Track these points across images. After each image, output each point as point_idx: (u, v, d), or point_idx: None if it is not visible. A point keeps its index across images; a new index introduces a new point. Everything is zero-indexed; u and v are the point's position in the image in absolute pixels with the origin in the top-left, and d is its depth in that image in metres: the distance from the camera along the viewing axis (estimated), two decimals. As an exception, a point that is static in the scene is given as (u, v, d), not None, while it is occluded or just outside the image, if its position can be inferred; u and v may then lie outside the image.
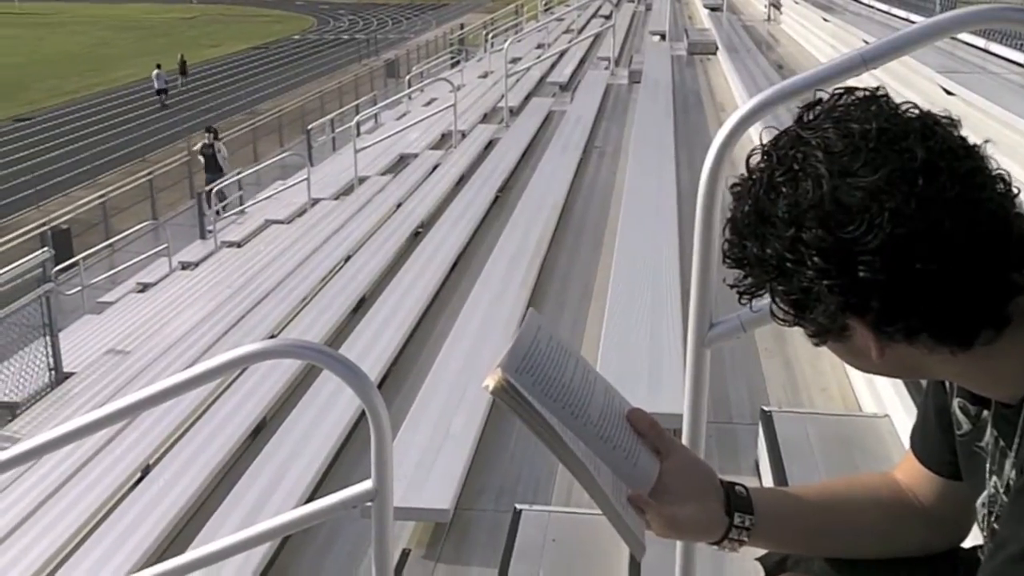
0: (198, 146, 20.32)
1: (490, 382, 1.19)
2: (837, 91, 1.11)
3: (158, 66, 39.15)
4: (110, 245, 18.31)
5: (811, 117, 1.10)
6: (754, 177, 1.09)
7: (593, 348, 4.49)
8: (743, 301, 1.15)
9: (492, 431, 4.24)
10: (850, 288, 1.02)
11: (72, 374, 8.91)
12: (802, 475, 3.19)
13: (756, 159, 1.10)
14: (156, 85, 38.71)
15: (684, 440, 2.64)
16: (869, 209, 1.00)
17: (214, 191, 15.32)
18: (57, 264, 11.57)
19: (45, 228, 19.60)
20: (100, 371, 8.34)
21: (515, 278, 6.02)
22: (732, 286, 1.15)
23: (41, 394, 8.70)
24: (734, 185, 1.13)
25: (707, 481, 1.29)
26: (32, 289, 8.89)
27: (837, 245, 1.01)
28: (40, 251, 9.55)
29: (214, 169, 19.30)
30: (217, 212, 15.63)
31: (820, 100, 1.11)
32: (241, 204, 16.63)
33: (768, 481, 3.37)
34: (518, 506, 3.47)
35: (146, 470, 5.19)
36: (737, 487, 1.30)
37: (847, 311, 1.05)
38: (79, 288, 13.96)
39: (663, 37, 16.00)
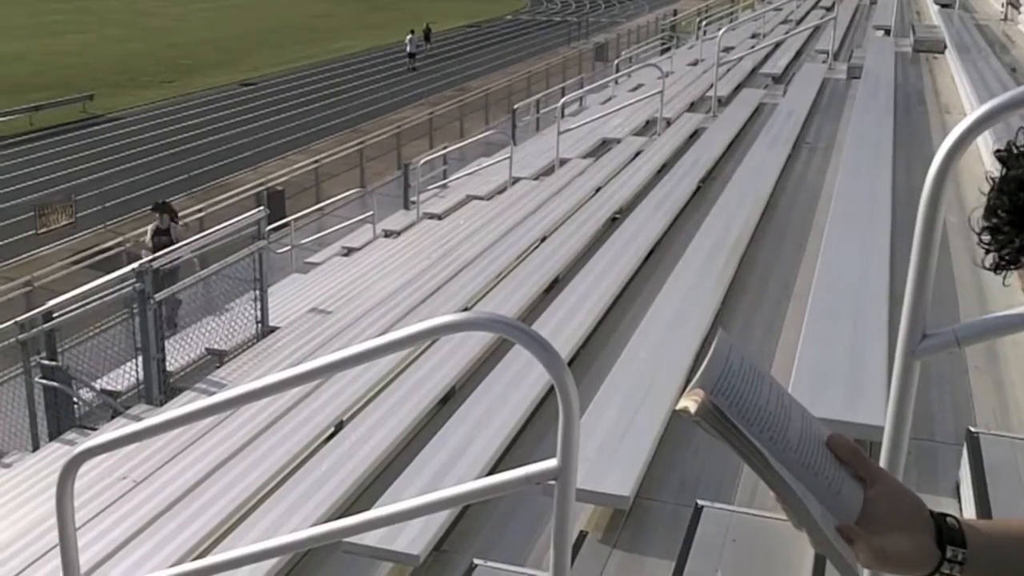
0: (148, 231, 13.15)
1: (690, 405, 1.14)
2: None
3: (411, 31, 42.51)
4: (320, 209, 19.16)
5: None
6: None
7: (790, 350, 4.35)
8: (999, 271, 1.20)
9: (677, 423, 4.18)
10: None
11: (276, 328, 9.37)
12: (1008, 503, 2.99)
13: None
14: (408, 49, 41.93)
15: (883, 456, 2.51)
16: None
17: (421, 163, 15.72)
18: (270, 223, 12.18)
19: (261, 188, 20.73)
20: (302, 328, 8.72)
21: (712, 271, 5.90)
22: (991, 257, 1.19)
23: (247, 345, 9.19)
24: (1001, 151, 1.18)
25: (916, 511, 1.21)
26: (247, 245, 9.40)
27: None
28: (256, 210, 10.05)
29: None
30: (411, 202, 15.96)
31: None
32: (444, 178, 17.02)
33: (969, 506, 3.18)
34: (699, 502, 3.41)
35: (339, 426, 5.40)
36: (948, 518, 1.22)
37: None
38: (288, 248, 14.68)
39: (887, 32, 15.29)
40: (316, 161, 22.55)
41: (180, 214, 19.70)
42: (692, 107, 12.46)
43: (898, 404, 2.37)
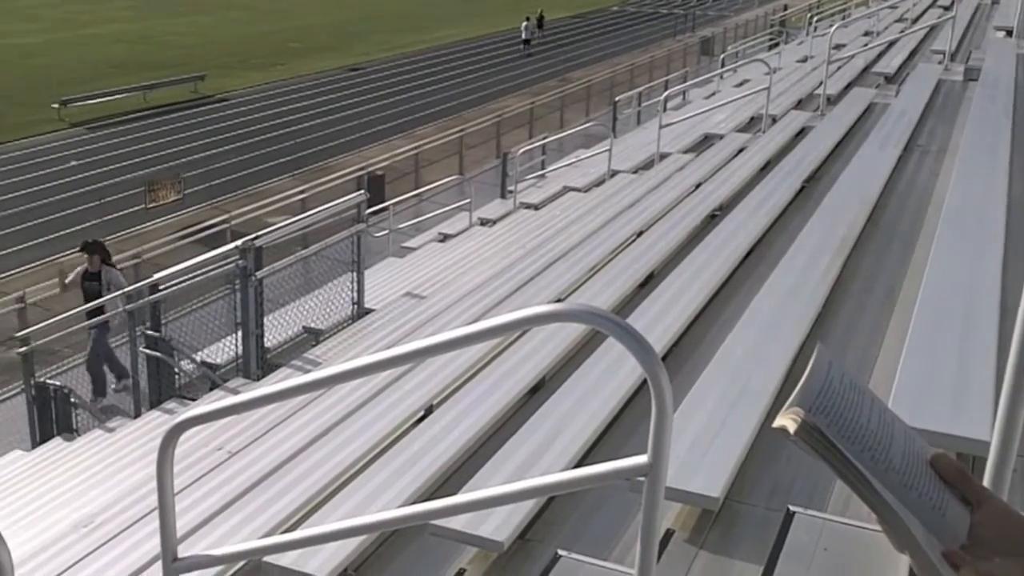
0: (74, 274, 11.52)
1: (787, 424, 1.11)
2: None
3: (527, 18, 43.78)
4: (418, 195, 19.36)
5: None
6: None
7: (893, 359, 4.23)
8: None
9: (771, 426, 4.09)
10: None
11: (372, 310, 9.50)
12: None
13: None
14: (523, 35, 43.16)
15: (988, 472, 2.42)
16: None
17: (520, 152, 15.75)
18: (370, 207, 12.35)
19: (362, 172, 21.02)
20: (397, 311, 8.82)
21: (813, 273, 5.77)
22: None
23: (343, 325, 9.34)
24: None
25: None
26: (346, 228, 9.54)
27: None
28: (357, 193, 10.18)
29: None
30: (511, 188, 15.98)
31: None
32: (543, 168, 17.02)
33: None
34: (791, 507, 3.34)
35: (429, 410, 5.44)
36: None
37: None
38: (386, 232, 14.87)
39: (1009, 34, 14.71)
40: (417, 147, 22.78)
41: (284, 195, 20.18)
42: (799, 105, 12.20)
43: (1006, 419, 2.28)
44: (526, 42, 43.05)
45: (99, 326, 10.74)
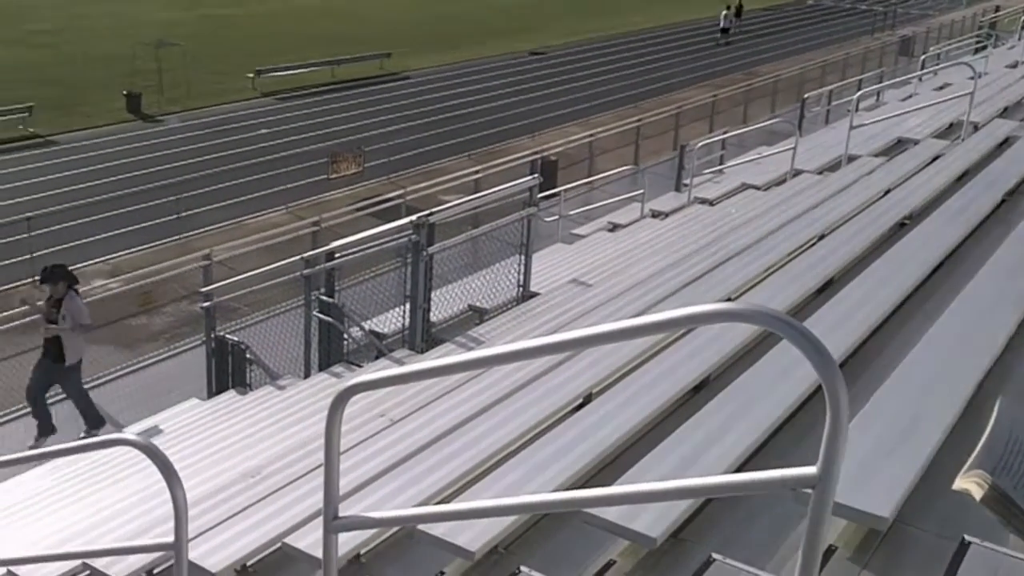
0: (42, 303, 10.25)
1: (971, 488, 1.01)
2: None
3: (727, 7, 43.69)
4: (590, 182, 19.31)
5: None
6: None
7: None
8: None
9: (950, 448, 3.87)
10: None
11: (537, 294, 9.53)
12: None
13: None
14: (721, 24, 43.26)
15: None
16: None
17: (699, 145, 15.46)
18: (542, 192, 12.38)
19: (536, 157, 21.12)
20: (561, 297, 8.81)
21: (1010, 294, 5.42)
22: None
23: (507, 306, 9.41)
24: None
25: None
26: (517, 210, 9.60)
27: None
28: (530, 177, 10.22)
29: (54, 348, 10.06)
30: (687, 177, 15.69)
31: None
32: (721, 164, 16.68)
33: None
34: (967, 537, 3.14)
35: (588, 398, 5.41)
36: None
37: None
38: (556, 217, 14.88)
39: None
40: (592, 135, 22.72)
41: (458, 174, 20.50)
42: (1005, 112, 11.53)
43: None
44: (724, 31, 42.71)
45: (75, 365, 9.97)
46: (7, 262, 17.75)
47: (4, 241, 18.16)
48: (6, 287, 17.10)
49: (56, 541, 6.03)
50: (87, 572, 5.31)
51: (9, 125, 27.57)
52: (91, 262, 18.43)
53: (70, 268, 10.59)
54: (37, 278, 16.93)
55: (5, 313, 13.50)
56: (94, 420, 10.35)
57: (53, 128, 28.20)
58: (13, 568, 5.54)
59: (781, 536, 3.68)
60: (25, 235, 17.63)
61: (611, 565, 3.67)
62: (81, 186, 23.01)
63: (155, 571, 5.05)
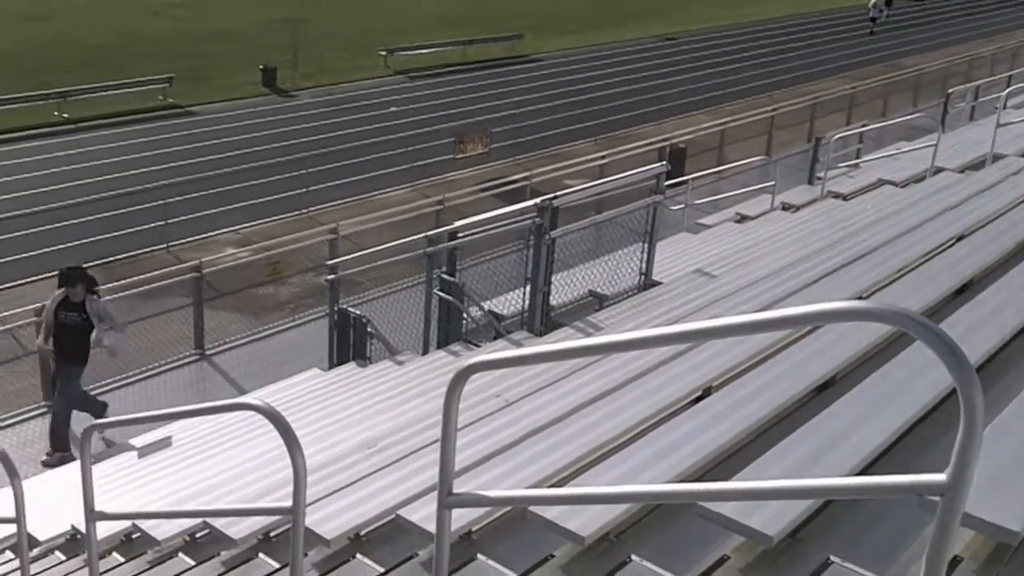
0: (45, 312, 9.84)
1: None
2: None
3: None
4: (719, 172, 18.99)
5: None
6: None
7: None
8: None
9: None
10: None
11: (659, 283, 9.42)
12: None
13: None
14: (871, 13, 42.84)
15: None
16: None
17: (835, 138, 15.01)
18: (669, 179, 12.22)
19: (664, 144, 20.89)
20: (684, 287, 8.69)
21: None
22: None
23: (627, 294, 9.33)
24: None
25: None
26: (643, 197, 9.49)
27: None
28: (658, 164, 10.09)
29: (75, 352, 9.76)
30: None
31: None
32: (857, 157, 16.17)
33: None
34: (1107, 560, 2.96)
35: (707, 391, 5.32)
36: None
37: None
38: (682, 206, 14.69)
39: None
40: (723, 123, 22.33)
41: (584, 159, 20.42)
42: None
43: None
44: (873, 20, 41.93)
45: (78, 367, 9.65)
46: (142, 227, 18.51)
47: (140, 208, 18.94)
48: (141, 251, 17.85)
49: (177, 500, 6.26)
50: (206, 531, 5.50)
51: (150, 95, 28.71)
52: (222, 231, 19.08)
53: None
54: (165, 246, 17.80)
55: (137, 277, 14.11)
56: (98, 408, 10.05)
57: (191, 99, 29.25)
58: (138, 522, 5.78)
59: (904, 543, 3.54)
60: (160, 202, 18.34)
61: (724, 561, 3.60)
62: (215, 157, 23.83)
63: (272, 534, 5.19)
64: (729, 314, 2.44)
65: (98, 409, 9.99)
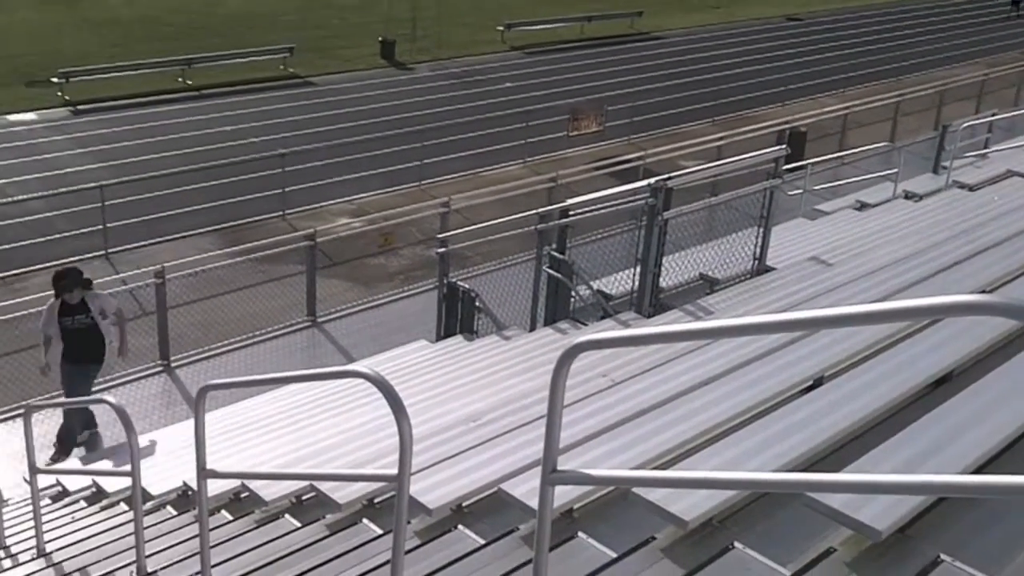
0: (51, 309, 9.15)
1: None
2: None
3: None
4: (840, 157, 18.50)
5: None
6: None
7: None
8: None
9: None
10: None
11: (772, 269, 9.25)
12: None
13: None
14: None
15: None
16: None
17: (963, 126, 14.44)
18: (787, 163, 11.95)
19: (784, 127, 20.42)
20: (798, 274, 8.51)
21: None
22: None
23: (740, 279, 9.19)
24: None
25: None
26: (759, 181, 9.31)
27: None
28: (777, 147, 9.88)
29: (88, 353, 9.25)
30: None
31: None
32: (986, 147, 15.55)
33: None
34: None
35: (819, 381, 5.20)
36: None
37: None
38: (800, 191, 14.36)
39: None
40: (847, 108, 21.72)
41: (701, 140, 20.13)
42: None
43: None
44: (1015, 3, 40.25)
45: (96, 366, 9.25)
46: (260, 195, 18.98)
47: (258, 175, 19.42)
48: (257, 218, 18.33)
49: (285, 462, 6.43)
50: (313, 494, 5.64)
51: (271, 64, 29.35)
52: (336, 201, 19.43)
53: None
54: (281, 213, 18.22)
55: (256, 243, 14.50)
56: (88, 419, 9.76)
57: (311, 69, 29.79)
58: (247, 482, 5.97)
59: (1020, 546, 3.42)
60: (277, 171, 18.77)
61: (830, 553, 3.52)
62: (332, 127, 24.25)
63: (376, 500, 5.29)
64: (845, 304, 2.37)
65: (87, 419, 9.64)
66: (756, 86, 28.55)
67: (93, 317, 9.09)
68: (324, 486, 5.26)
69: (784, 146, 9.97)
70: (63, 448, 9.53)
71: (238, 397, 9.48)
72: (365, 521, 5.04)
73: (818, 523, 3.58)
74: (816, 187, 14.83)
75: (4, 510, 7.71)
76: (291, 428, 7.80)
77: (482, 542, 4.25)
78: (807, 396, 4.83)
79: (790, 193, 13.56)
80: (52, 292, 9.17)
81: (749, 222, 9.50)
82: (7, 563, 6.41)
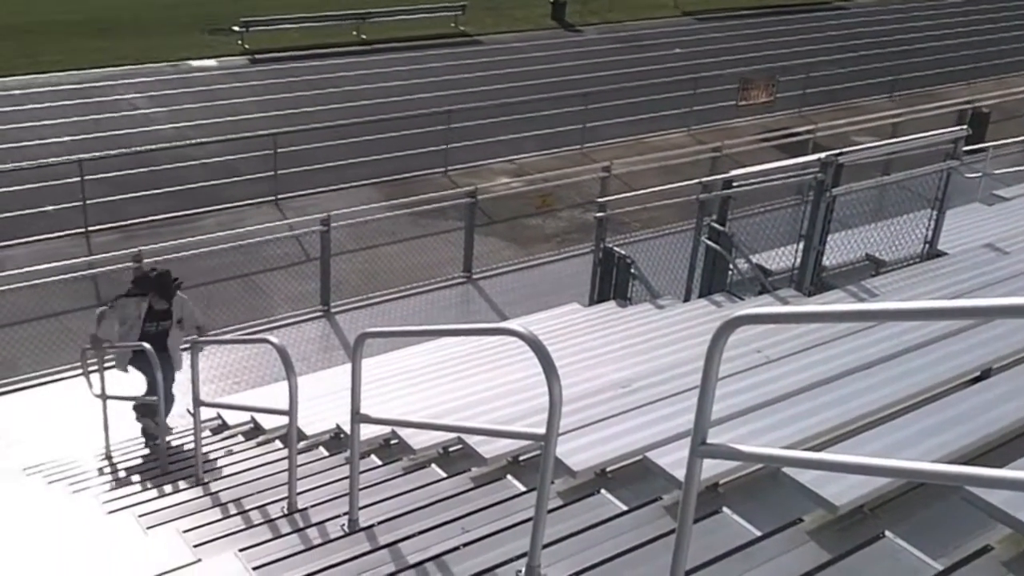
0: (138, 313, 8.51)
1: None
2: None
3: None
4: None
5: None
6: None
7: None
8: None
9: None
10: None
11: (944, 254, 8.86)
12: None
13: None
14: None
15: None
16: None
17: None
18: (967, 145, 11.37)
19: (967, 106, 19.42)
20: (972, 260, 8.11)
21: None
22: None
23: (909, 262, 8.84)
24: None
25: None
26: (936, 162, 8.91)
27: None
28: (957, 128, 9.42)
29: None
30: None
31: None
32: None
33: None
34: None
35: (986, 372, 4.98)
36: None
37: None
38: (979, 175, 13.67)
39: None
40: (1037, 89, 20.49)
41: (876, 116, 19.35)
42: None
43: None
44: None
45: (178, 354, 8.65)
46: (424, 150, 19.34)
47: (425, 131, 19.76)
48: (421, 173, 18.69)
49: (434, 413, 6.57)
50: (460, 446, 5.76)
51: (443, 22, 29.73)
52: (497, 160, 19.61)
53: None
54: (444, 169, 18.53)
55: (418, 196, 14.79)
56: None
57: (481, 28, 30.02)
58: (397, 430, 6.14)
59: None
60: (442, 127, 19.05)
61: (987, 551, 3.38)
62: (498, 86, 24.41)
63: (521, 458, 5.37)
64: (1020, 294, 2.24)
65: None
66: (940, 62, 27.22)
67: (171, 323, 8.56)
68: (471, 439, 5.36)
69: (965, 127, 9.50)
70: (144, 412, 9.02)
71: (392, 347, 9.74)
72: (509, 477, 5.12)
73: (975, 519, 3.44)
74: (996, 171, 14.08)
75: (168, 439, 8.16)
76: (442, 380, 7.97)
77: (624, 508, 4.26)
78: (972, 388, 4.64)
79: (968, 176, 12.91)
80: (140, 280, 8.57)
81: (922, 204, 9.11)
82: (168, 488, 6.81)
